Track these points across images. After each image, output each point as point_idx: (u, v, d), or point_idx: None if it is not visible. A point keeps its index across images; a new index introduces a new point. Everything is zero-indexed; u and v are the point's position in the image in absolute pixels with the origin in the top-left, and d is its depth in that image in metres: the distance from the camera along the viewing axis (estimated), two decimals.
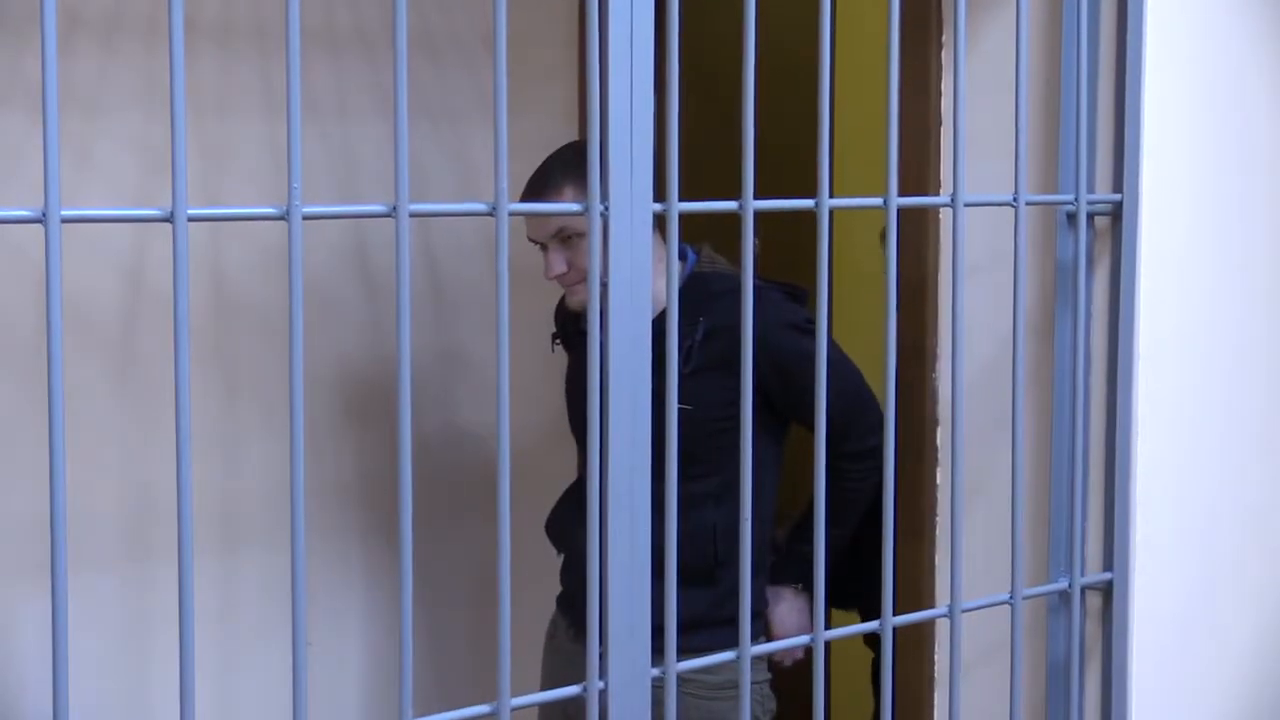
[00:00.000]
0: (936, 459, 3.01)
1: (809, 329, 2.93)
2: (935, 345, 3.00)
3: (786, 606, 3.19)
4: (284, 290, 1.90)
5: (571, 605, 3.16)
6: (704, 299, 2.96)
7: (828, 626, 2.43)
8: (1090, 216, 2.70)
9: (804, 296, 3.09)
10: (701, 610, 2.89)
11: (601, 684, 2.17)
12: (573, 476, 3.32)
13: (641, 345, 2.15)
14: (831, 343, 2.98)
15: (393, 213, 1.93)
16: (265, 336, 3.16)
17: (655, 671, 2.22)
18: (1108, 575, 2.74)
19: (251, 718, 3.25)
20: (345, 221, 3.26)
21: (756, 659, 2.97)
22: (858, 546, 3.14)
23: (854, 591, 3.17)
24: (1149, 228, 2.70)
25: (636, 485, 2.17)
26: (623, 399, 2.14)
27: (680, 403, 2.73)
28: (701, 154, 2.99)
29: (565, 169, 2.86)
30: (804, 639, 2.43)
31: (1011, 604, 2.61)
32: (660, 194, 2.14)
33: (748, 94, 2.20)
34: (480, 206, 2.02)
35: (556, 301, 3.16)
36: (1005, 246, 2.61)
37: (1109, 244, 2.72)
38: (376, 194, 3.10)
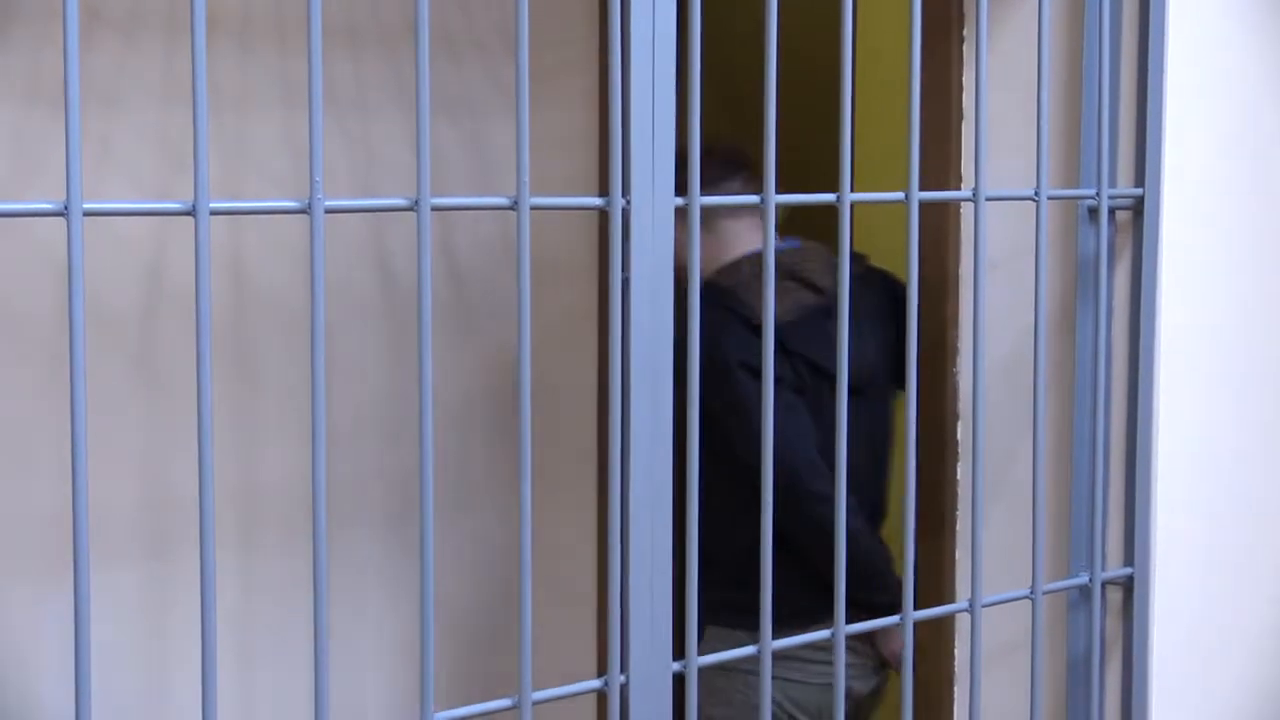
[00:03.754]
0: (957, 454, 3.01)
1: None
2: (956, 340, 3.00)
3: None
4: (303, 285, 1.90)
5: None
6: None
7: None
8: (1111, 211, 2.70)
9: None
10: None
11: (623, 678, 2.17)
12: (591, 471, 3.32)
13: (663, 338, 2.15)
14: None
15: (414, 206, 1.94)
16: (285, 331, 3.16)
17: (677, 666, 2.22)
18: (1128, 570, 2.73)
19: (273, 710, 3.25)
20: (365, 217, 3.26)
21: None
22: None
23: None
24: (1170, 222, 2.69)
25: (658, 477, 2.16)
26: (644, 392, 2.14)
27: None
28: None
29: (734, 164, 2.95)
30: (824, 633, 2.42)
31: (1032, 599, 2.61)
32: (682, 188, 2.14)
33: (770, 88, 2.19)
34: (502, 200, 2.03)
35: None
36: (1026, 241, 2.60)
37: (1130, 238, 2.72)
38: (396, 189, 3.10)
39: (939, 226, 2.98)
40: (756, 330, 2.57)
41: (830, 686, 2.50)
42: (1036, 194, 2.53)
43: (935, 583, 3.02)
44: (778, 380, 2.88)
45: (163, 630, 3.10)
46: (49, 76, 2.79)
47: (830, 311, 2.72)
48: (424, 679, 2.02)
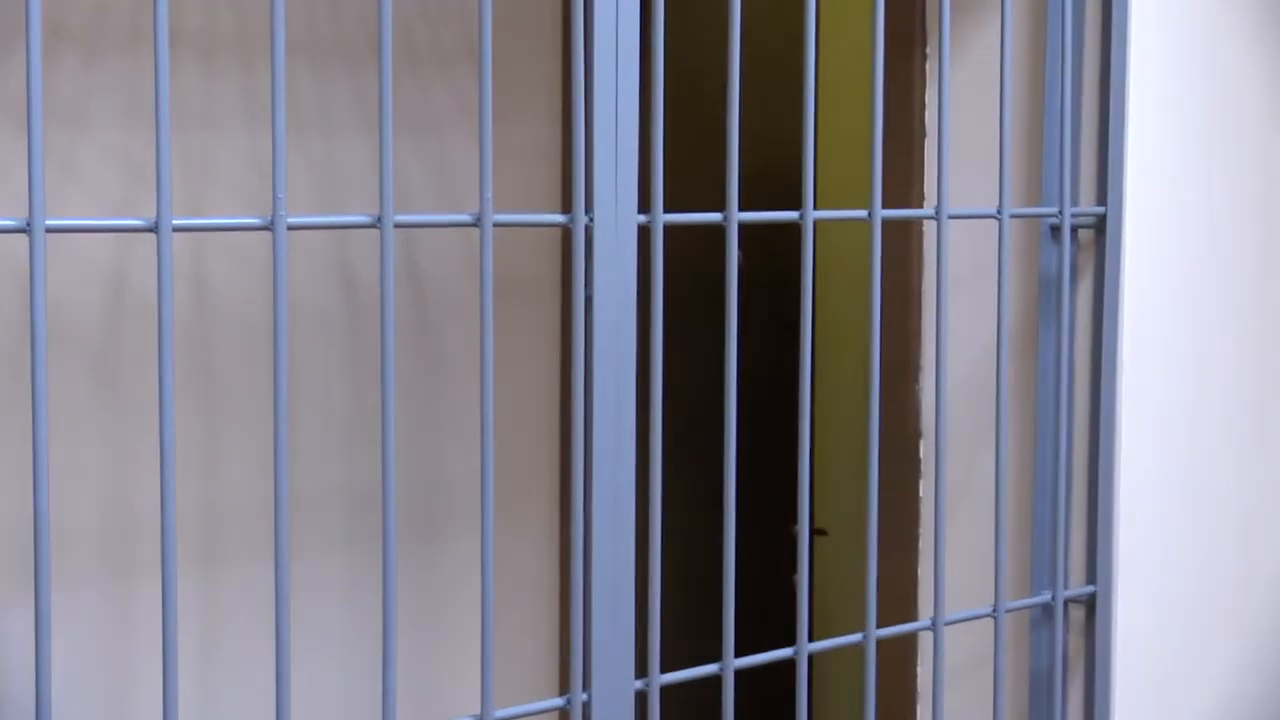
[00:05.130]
0: (920, 471, 3.01)
1: None
2: (919, 357, 3.00)
3: None
4: (265, 302, 1.90)
5: None
6: None
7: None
8: (1074, 229, 2.71)
9: None
10: None
11: (585, 696, 2.17)
12: (553, 488, 3.32)
13: (626, 355, 2.15)
14: None
15: (377, 223, 1.94)
16: (247, 347, 3.15)
17: (639, 684, 2.22)
18: (1091, 588, 2.74)
19: None
20: (327, 234, 3.25)
21: None
22: None
23: None
24: (1132, 240, 2.70)
25: (621, 495, 2.16)
26: (607, 408, 2.14)
27: None
28: (686, 166, 3.00)
29: None
30: (787, 651, 2.42)
31: (994, 617, 2.61)
32: (645, 205, 2.15)
33: (732, 105, 2.20)
34: (465, 217, 2.03)
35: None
36: (989, 259, 2.61)
37: (1092, 256, 2.72)
38: (359, 207, 3.09)
39: (901, 244, 2.99)
40: None
41: None
42: (999, 212, 2.54)
43: (899, 600, 3.02)
44: None
45: (124, 648, 3.09)
46: (10, 91, 2.78)
47: None
48: (386, 697, 2.01)
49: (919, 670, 3.04)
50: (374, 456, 2.02)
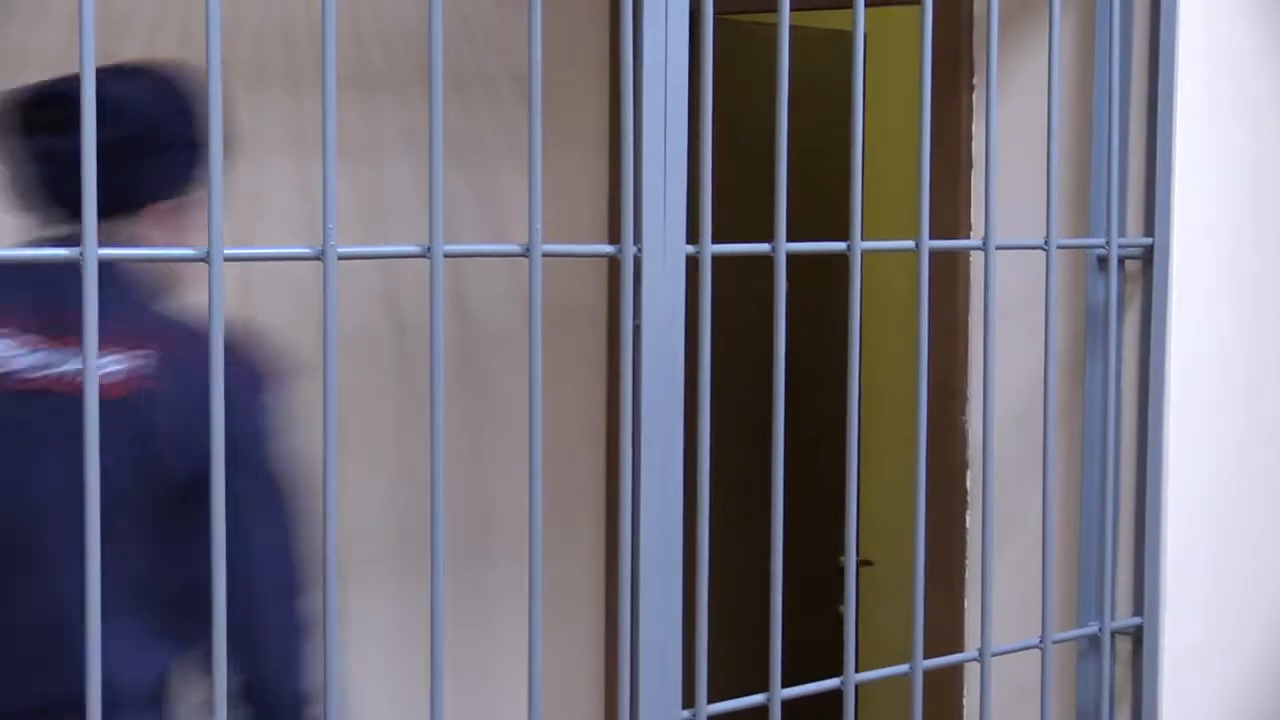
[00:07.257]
0: (967, 502, 3.01)
1: None
2: (966, 387, 3.00)
3: None
4: (311, 331, 1.90)
5: None
6: None
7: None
8: (1121, 260, 2.70)
9: None
10: None
11: None
12: (600, 517, 3.32)
13: (674, 386, 2.15)
14: None
15: (427, 253, 1.94)
16: (295, 376, 3.16)
17: (685, 714, 2.21)
18: (1138, 620, 2.73)
19: None
20: (375, 264, 3.26)
21: None
22: None
23: None
24: (1180, 271, 2.69)
25: (669, 525, 2.16)
26: (655, 439, 2.14)
27: None
28: (734, 198, 3.01)
29: None
30: (833, 682, 2.41)
31: (1041, 648, 2.60)
32: (693, 236, 2.15)
33: (781, 136, 2.20)
34: (514, 248, 2.03)
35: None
36: (1036, 289, 2.60)
37: (1139, 287, 2.72)
38: (406, 236, 3.10)
39: (949, 274, 2.99)
40: None
41: None
42: (1046, 243, 2.54)
43: (945, 631, 3.01)
44: None
45: None
46: None
47: None
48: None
49: (965, 702, 3.03)
50: (422, 485, 2.02)
